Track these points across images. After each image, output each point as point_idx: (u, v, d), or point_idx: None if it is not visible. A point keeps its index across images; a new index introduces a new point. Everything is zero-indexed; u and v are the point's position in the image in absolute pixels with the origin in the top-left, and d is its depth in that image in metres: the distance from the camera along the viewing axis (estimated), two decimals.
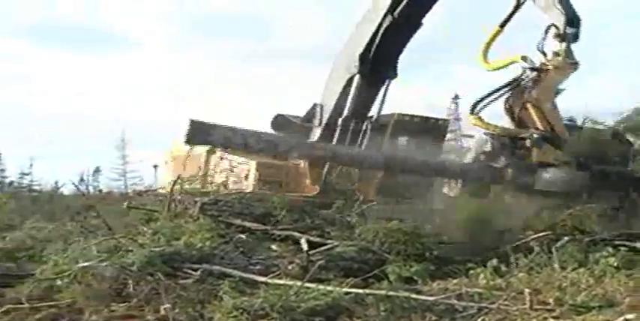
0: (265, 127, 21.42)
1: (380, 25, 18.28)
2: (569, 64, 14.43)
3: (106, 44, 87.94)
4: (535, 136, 14.19)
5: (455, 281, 8.33)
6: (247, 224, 10.92)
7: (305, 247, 9.59)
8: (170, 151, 22.82)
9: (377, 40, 18.42)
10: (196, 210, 11.13)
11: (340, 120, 18.86)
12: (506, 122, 15.08)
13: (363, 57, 18.57)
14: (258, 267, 8.75)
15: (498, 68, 15.71)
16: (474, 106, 15.03)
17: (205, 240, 9.51)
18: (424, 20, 18.52)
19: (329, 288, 7.37)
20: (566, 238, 10.19)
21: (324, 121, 19.48)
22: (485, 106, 15.02)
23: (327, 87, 19.93)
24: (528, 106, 14.48)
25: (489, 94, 15.03)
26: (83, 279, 7.65)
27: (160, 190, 14.20)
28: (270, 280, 7.95)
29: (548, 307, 7.01)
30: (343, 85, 19.15)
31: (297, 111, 21.02)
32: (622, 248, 9.67)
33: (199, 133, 14.04)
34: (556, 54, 14.41)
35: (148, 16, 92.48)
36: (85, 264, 7.77)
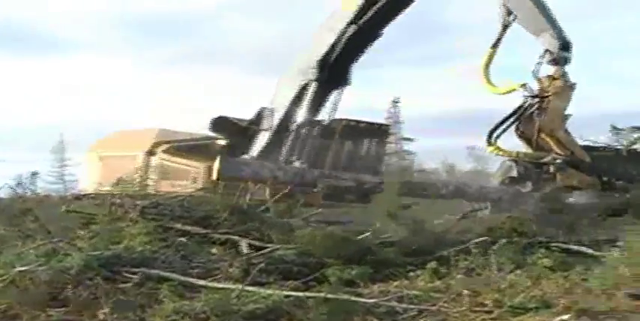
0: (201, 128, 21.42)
1: (343, 33, 18.45)
2: (568, 86, 14.76)
3: (42, 48, 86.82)
4: (558, 161, 14.51)
5: (395, 284, 8.39)
6: (187, 227, 10.86)
7: (245, 250, 9.58)
8: (95, 152, 22.50)
9: (338, 49, 18.60)
10: (136, 213, 11.03)
11: (294, 125, 18.98)
12: (523, 147, 15.44)
13: (321, 64, 18.75)
14: (198, 270, 8.69)
15: (502, 94, 16.03)
16: (490, 136, 15.36)
17: (145, 243, 9.44)
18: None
19: (269, 291, 7.37)
20: (503, 241, 10.34)
21: (275, 125, 19.54)
22: (499, 134, 15.34)
23: (278, 92, 20.03)
24: (543, 135, 14.80)
25: (501, 123, 15.37)
26: (20, 283, 7.53)
27: (91, 194, 14.04)
28: (210, 284, 7.91)
29: (487, 309, 7.10)
30: (297, 91, 19.25)
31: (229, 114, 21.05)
32: (556, 250, 9.90)
33: (231, 168, 14.69)
34: (551, 78, 14.74)
35: (84, 17, 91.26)
36: (22, 268, 7.65)
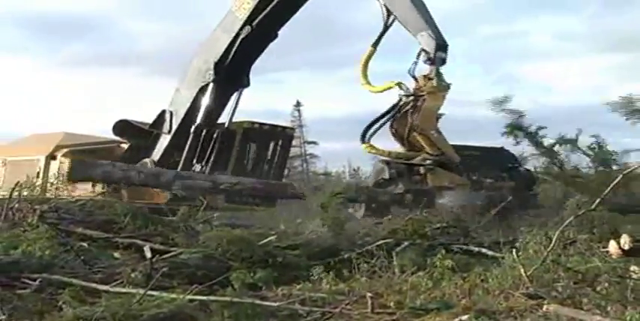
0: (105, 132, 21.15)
1: (237, 35, 18.33)
2: (442, 87, 14.86)
3: None
4: (428, 162, 14.53)
5: (299, 287, 8.42)
6: (89, 232, 10.69)
7: (148, 254, 9.48)
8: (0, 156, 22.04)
9: (233, 50, 18.48)
10: (35, 218, 10.80)
11: (193, 127, 18.80)
12: (397, 146, 15.46)
13: (218, 65, 18.61)
14: (100, 275, 8.57)
15: (379, 92, 16.09)
16: (364, 134, 15.35)
17: (45, 249, 9.23)
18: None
19: (173, 295, 7.31)
20: (406, 243, 10.49)
21: (175, 128, 19.37)
22: (373, 133, 15.35)
23: (177, 94, 19.84)
24: (415, 134, 14.82)
25: (375, 121, 15.39)
26: None
27: None
28: (112, 289, 7.81)
29: (389, 311, 7.21)
30: (195, 93, 19.10)
31: (133, 118, 20.85)
32: (457, 251, 10.09)
33: (81, 169, 14.27)
34: (427, 78, 14.84)
35: None
36: None
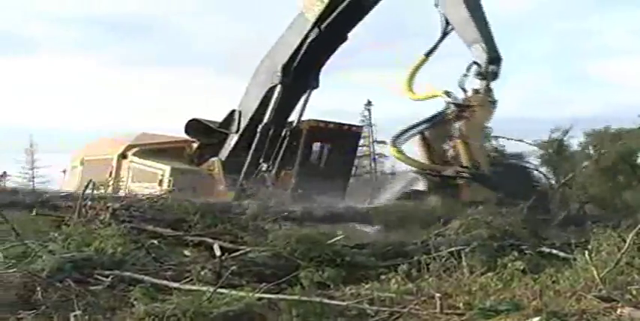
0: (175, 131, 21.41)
1: (306, 37, 18.30)
2: (490, 102, 14.49)
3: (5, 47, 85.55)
4: (466, 175, 14.04)
5: (367, 286, 8.40)
6: (160, 230, 10.83)
7: (218, 252, 9.56)
8: (79, 155, 22.53)
9: (302, 52, 18.45)
10: (108, 215, 10.98)
11: (260, 127, 18.88)
12: (420, 155, 14.92)
13: (286, 68, 18.63)
14: (170, 273, 8.68)
15: (421, 99, 15.84)
16: (397, 138, 14.99)
17: (117, 246, 9.37)
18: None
19: (242, 293, 7.36)
20: (475, 243, 10.37)
21: (242, 127, 19.50)
22: (407, 138, 15.00)
23: (246, 94, 19.98)
24: (457, 141, 14.40)
25: (412, 127, 15.03)
26: None
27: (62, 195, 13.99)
28: (182, 286, 7.90)
29: (458, 311, 7.14)
30: (264, 94, 19.18)
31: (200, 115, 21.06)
32: (528, 252, 9.94)
33: None
34: (476, 91, 14.48)
35: (48, 17, 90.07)
36: None
